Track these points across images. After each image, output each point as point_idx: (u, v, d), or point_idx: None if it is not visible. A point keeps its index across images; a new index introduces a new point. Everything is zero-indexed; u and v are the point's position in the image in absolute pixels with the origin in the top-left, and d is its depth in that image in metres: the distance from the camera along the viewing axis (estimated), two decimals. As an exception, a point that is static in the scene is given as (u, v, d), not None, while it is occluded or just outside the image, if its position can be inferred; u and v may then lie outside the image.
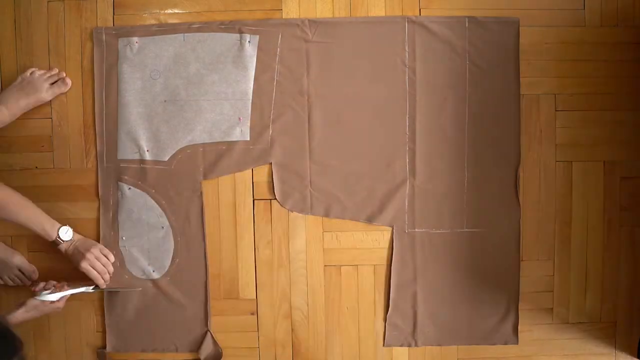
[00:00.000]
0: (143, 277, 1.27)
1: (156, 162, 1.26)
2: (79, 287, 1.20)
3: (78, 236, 1.21)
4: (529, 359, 1.31)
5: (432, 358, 1.30)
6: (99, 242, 1.24)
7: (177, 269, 1.26)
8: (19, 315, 1.12)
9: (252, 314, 1.29)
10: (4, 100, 1.20)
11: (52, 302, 1.15)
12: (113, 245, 1.26)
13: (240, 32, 1.24)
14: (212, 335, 1.28)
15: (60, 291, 1.17)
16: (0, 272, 1.24)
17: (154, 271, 1.26)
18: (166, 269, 1.26)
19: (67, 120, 1.27)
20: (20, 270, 1.25)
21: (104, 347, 1.28)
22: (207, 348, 1.27)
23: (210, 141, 1.25)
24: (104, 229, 1.27)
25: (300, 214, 1.27)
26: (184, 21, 1.26)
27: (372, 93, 1.26)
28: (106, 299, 1.27)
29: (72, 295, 1.20)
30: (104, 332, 1.27)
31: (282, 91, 1.26)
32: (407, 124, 1.26)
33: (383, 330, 1.29)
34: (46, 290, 1.16)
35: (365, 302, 1.30)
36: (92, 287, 1.22)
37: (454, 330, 1.29)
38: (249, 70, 1.25)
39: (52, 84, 1.25)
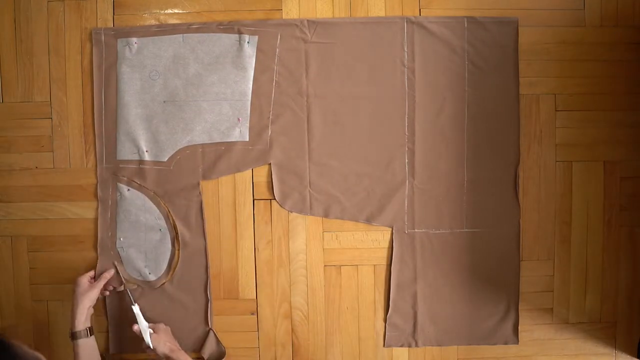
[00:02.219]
0: (140, 278, 1.26)
1: (155, 162, 1.25)
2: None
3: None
4: (529, 359, 1.31)
5: (432, 358, 1.30)
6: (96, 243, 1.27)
7: (177, 270, 1.26)
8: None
9: (252, 314, 1.29)
10: None
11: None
12: (111, 246, 1.26)
13: (240, 32, 1.24)
14: (214, 334, 1.28)
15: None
16: None
17: (150, 273, 1.26)
18: (162, 271, 1.26)
19: (67, 120, 1.27)
20: None
21: (107, 348, 1.28)
22: (210, 347, 1.27)
23: (210, 142, 1.25)
24: (102, 230, 1.26)
25: (300, 214, 1.28)
26: (184, 21, 1.26)
27: (371, 93, 1.26)
28: (108, 299, 1.27)
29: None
30: (107, 332, 1.27)
31: (281, 92, 1.25)
32: (406, 124, 1.26)
33: (383, 330, 1.29)
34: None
35: (365, 302, 1.29)
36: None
37: (454, 330, 1.29)
38: (248, 70, 1.25)
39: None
